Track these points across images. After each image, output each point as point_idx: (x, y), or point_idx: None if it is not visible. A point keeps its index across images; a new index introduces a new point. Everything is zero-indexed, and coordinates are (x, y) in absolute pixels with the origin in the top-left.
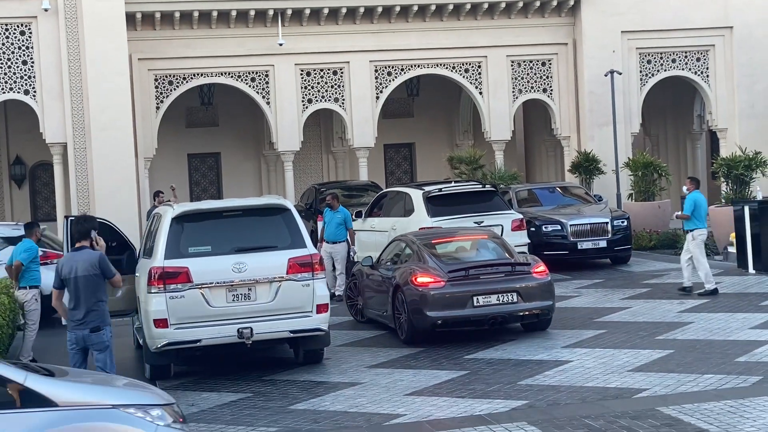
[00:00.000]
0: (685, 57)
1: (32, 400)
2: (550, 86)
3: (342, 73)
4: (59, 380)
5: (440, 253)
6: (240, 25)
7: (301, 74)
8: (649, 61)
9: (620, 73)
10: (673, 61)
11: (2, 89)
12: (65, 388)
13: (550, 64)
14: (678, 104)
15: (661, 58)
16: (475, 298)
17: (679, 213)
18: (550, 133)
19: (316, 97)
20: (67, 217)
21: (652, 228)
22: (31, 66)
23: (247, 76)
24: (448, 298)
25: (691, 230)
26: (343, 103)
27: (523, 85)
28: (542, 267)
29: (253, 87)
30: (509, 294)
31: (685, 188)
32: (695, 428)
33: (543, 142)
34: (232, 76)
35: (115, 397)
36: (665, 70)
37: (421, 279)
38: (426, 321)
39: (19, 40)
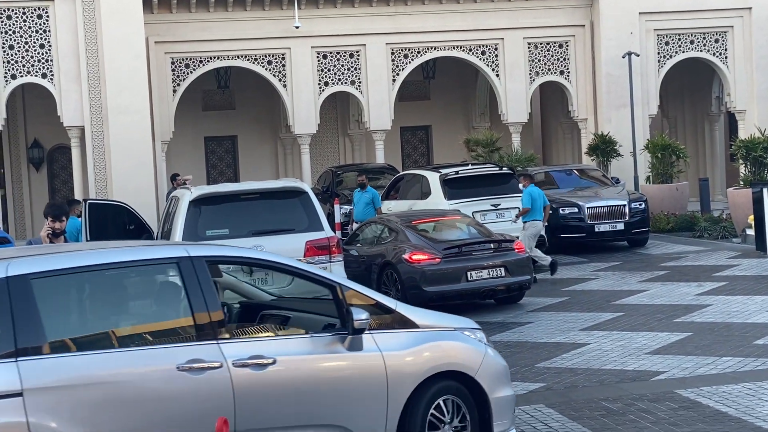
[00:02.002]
0: (704, 38)
1: (401, 322)
2: (567, 68)
3: (358, 55)
4: (415, 308)
5: (423, 233)
6: (256, 8)
7: (318, 57)
8: (667, 43)
9: (638, 55)
10: (692, 42)
11: (20, 73)
12: (419, 314)
13: (567, 45)
14: (696, 86)
15: (679, 39)
16: (468, 273)
17: (518, 211)
18: (567, 116)
19: (332, 79)
20: (85, 200)
21: (669, 210)
22: (49, 49)
23: (263, 58)
24: (444, 274)
25: (525, 222)
26: (359, 86)
27: (540, 67)
28: (521, 245)
29: (270, 70)
30: (498, 269)
31: (521, 185)
32: (713, 411)
33: (560, 125)
34: (248, 59)
35: (455, 323)
36: (683, 52)
37: (416, 256)
38: (422, 296)
39: (36, 23)
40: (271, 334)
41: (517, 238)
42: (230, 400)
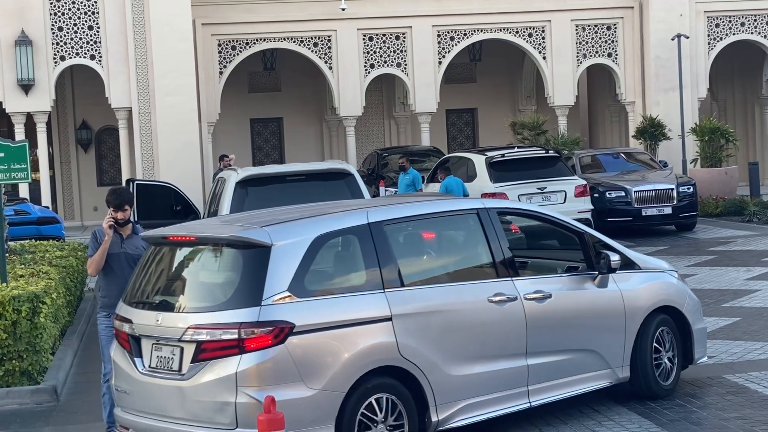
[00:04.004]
0: (755, 20)
1: (628, 264)
2: (615, 51)
3: (404, 38)
4: (634, 252)
5: None
6: None
7: (364, 39)
8: (717, 25)
9: (687, 38)
10: (742, 24)
11: (69, 54)
12: (639, 257)
13: (616, 28)
14: (746, 69)
15: (730, 21)
16: None
17: None
18: (615, 99)
19: (378, 62)
20: (132, 181)
21: (718, 194)
22: (97, 31)
23: (309, 41)
24: None
25: None
26: (405, 68)
27: (587, 50)
28: (515, 226)
29: (316, 52)
30: None
31: (439, 177)
32: (762, 396)
33: (607, 108)
34: (294, 41)
35: (662, 265)
36: (734, 34)
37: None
38: None
39: (85, 5)
40: (540, 274)
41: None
42: (523, 327)
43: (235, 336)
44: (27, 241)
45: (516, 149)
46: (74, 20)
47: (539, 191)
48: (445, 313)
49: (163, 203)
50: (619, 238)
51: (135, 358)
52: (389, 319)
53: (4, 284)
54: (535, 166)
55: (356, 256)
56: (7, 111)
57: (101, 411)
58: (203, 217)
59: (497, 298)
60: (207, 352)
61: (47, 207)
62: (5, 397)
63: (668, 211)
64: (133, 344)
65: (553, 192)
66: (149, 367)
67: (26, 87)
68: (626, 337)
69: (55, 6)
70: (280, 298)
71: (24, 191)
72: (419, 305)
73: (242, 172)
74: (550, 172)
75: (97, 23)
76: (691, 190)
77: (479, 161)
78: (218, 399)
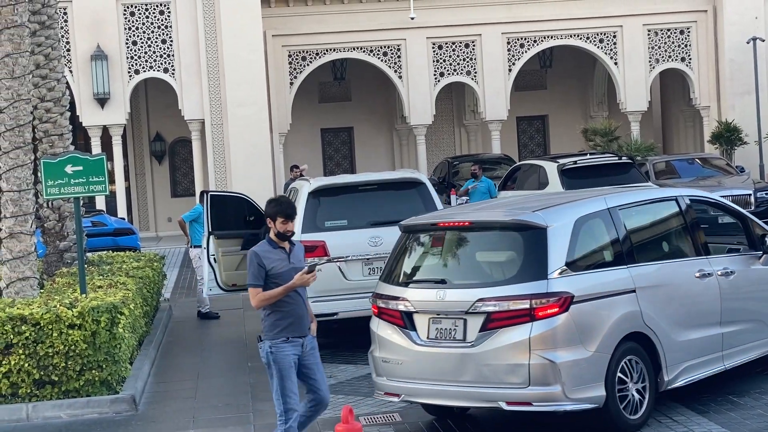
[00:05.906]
0: None
1: None
2: (689, 55)
3: (474, 45)
4: None
5: None
6: (372, 0)
7: (433, 47)
8: None
9: (763, 40)
10: None
11: (143, 68)
12: None
13: (689, 32)
14: None
15: None
16: None
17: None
18: (689, 103)
19: (447, 70)
20: (206, 192)
21: None
22: (170, 45)
23: (379, 50)
24: None
25: None
26: (475, 76)
27: (660, 55)
28: None
29: (385, 61)
30: None
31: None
32: None
33: (681, 113)
34: (364, 51)
35: None
36: None
37: None
38: None
39: (158, 19)
40: (719, 254)
41: None
42: (718, 299)
43: (527, 306)
44: (104, 253)
45: (588, 156)
46: (148, 34)
47: None
48: (668, 286)
49: (237, 214)
50: None
51: (410, 332)
52: (633, 291)
53: (84, 295)
54: (607, 173)
55: (603, 236)
56: (83, 125)
57: (179, 419)
58: None
59: (699, 274)
60: (496, 322)
61: (123, 218)
62: (85, 406)
63: None
64: (405, 319)
65: None
66: (428, 338)
67: (102, 101)
68: None
69: (129, 21)
70: (560, 272)
71: (100, 203)
72: (652, 279)
73: (315, 182)
74: (624, 179)
75: (170, 37)
76: None
77: (551, 168)
78: (511, 362)
